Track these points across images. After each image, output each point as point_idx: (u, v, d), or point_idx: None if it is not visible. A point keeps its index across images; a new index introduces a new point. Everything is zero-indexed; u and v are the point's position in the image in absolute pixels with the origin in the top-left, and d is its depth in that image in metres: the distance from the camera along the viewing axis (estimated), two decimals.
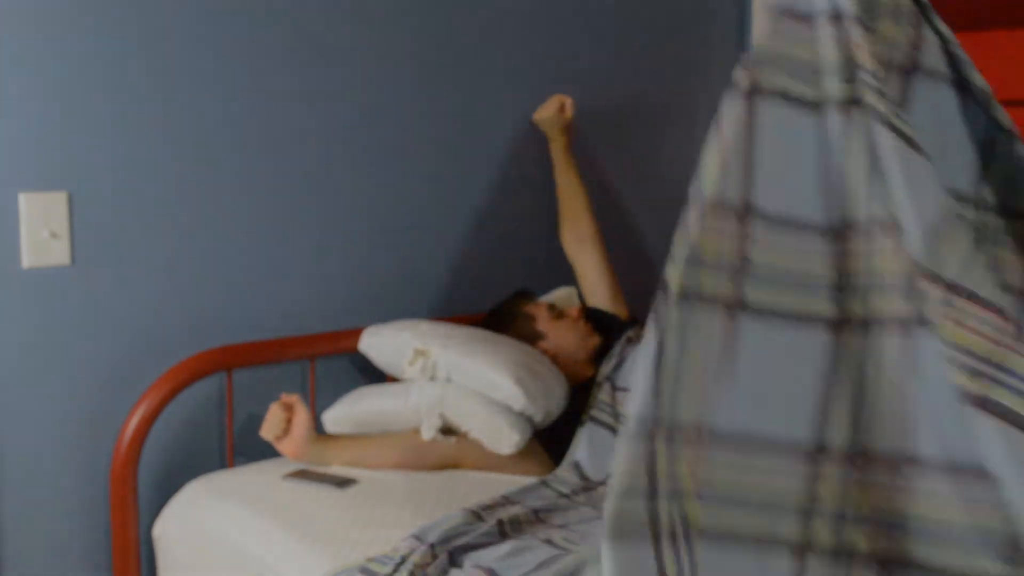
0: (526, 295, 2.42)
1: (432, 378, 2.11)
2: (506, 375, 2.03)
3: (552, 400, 2.10)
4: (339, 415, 2.16)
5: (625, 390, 2.13)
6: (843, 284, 1.22)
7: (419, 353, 2.11)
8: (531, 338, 2.29)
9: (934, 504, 1.16)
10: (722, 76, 3.09)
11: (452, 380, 2.09)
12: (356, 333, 2.28)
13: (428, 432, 2.05)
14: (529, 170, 2.66)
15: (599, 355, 2.32)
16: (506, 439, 2.02)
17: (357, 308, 2.36)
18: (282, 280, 2.25)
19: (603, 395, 2.15)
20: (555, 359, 2.26)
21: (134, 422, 1.99)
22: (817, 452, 1.18)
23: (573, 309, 2.36)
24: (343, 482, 1.94)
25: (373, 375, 2.39)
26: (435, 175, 2.48)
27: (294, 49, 2.22)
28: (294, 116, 2.23)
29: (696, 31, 3.01)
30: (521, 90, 2.61)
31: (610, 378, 2.18)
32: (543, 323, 2.31)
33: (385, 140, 2.38)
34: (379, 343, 2.20)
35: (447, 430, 2.08)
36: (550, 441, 2.14)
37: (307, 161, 2.26)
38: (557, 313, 2.33)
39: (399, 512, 1.82)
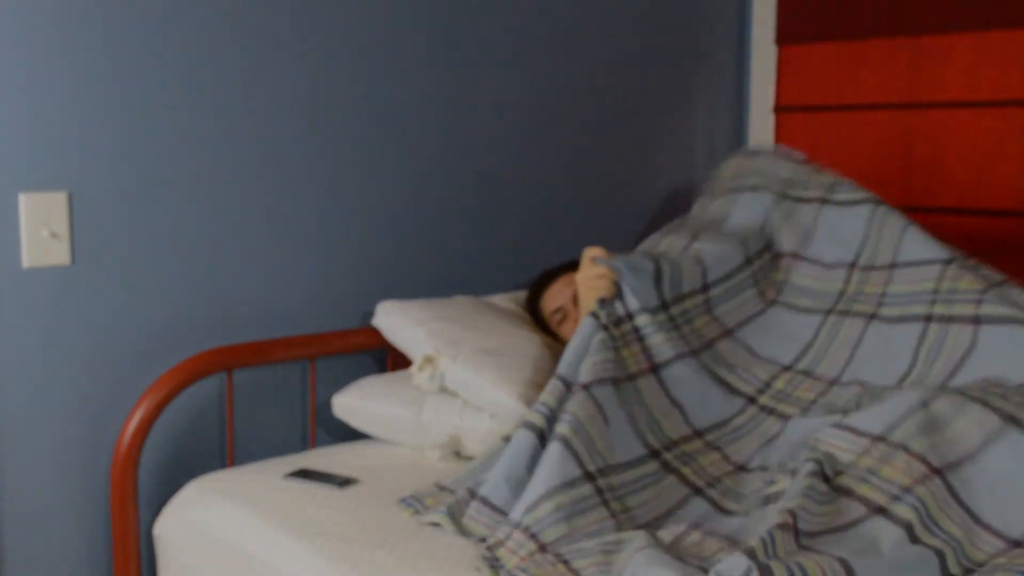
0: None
1: (440, 387, 2.10)
2: (513, 395, 2.00)
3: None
4: (349, 404, 2.16)
5: None
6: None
7: (427, 361, 2.09)
8: (556, 296, 2.28)
9: None
10: (721, 73, 3.09)
11: (459, 393, 2.08)
12: (356, 333, 2.28)
13: (432, 452, 2.06)
14: (535, 168, 2.66)
15: None
16: None
17: (357, 308, 2.36)
18: (282, 280, 2.25)
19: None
20: (562, 323, 2.26)
21: (134, 422, 1.99)
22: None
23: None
24: (344, 482, 1.94)
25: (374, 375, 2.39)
26: (437, 174, 2.48)
27: (294, 48, 2.22)
28: (294, 116, 2.23)
29: (696, 26, 3.01)
30: (526, 83, 2.62)
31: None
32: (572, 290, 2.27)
33: (386, 139, 2.38)
34: (393, 326, 2.20)
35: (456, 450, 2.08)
36: None
37: (307, 160, 2.26)
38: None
39: (399, 512, 1.82)
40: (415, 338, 2.15)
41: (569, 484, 1.66)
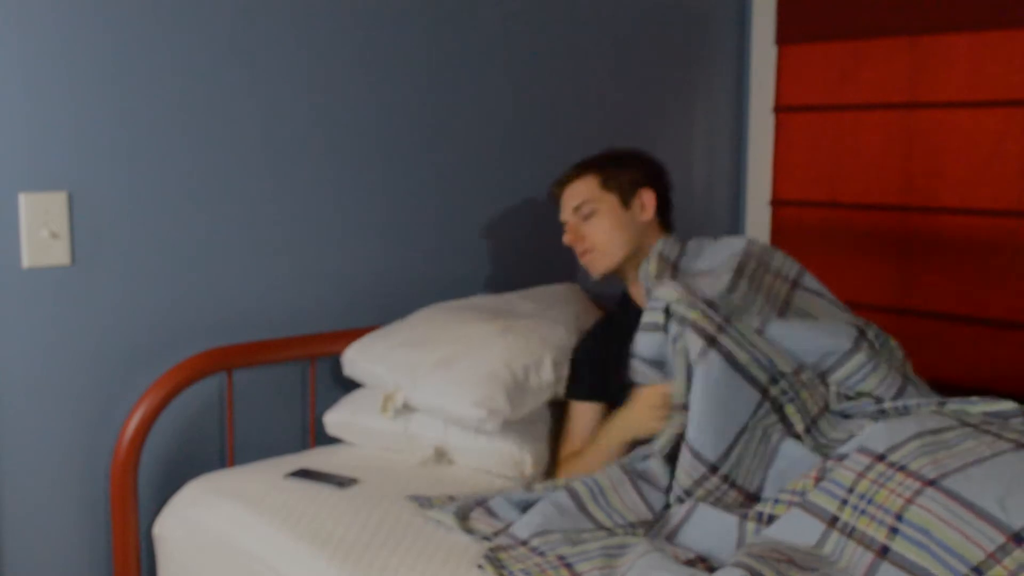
0: (665, 180, 2.28)
1: (409, 410, 2.10)
2: (469, 403, 1.98)
3: (539, 393, 2.08)
4: (340, 421, 2.17)
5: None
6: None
7: (387, 399, 2.08)
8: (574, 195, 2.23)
9: None
10: (721, 73, 3.09)
11: (428, 414, 2.07)
12: (356, 333, 2.28)
13: (424, 464, 2.08)
14: (535, 169, 2.66)
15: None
16: (520, 461, 2.02)
17: (357, 308, 2.36)
18: (282, 280, 2.25)
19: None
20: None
21: (134, 422, 1.99)
22: None
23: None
24: (344, 482, 1.94)
25: None
26: (437, 175, 2.48)
27: (298, 49, 2.22)
28: (296, 117, 2.23)
29: (696, 26, 3.01)
30: (525, 85, 2.62)
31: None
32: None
33: (386, 141, 2.38)
34: (362, 372, 2.18)
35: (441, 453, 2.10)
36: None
37: (307, 161, 2.26)
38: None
39: (400, 512, 1.82)
40: (378, 376, 2.14)
41: (576, 528, 1.71)
